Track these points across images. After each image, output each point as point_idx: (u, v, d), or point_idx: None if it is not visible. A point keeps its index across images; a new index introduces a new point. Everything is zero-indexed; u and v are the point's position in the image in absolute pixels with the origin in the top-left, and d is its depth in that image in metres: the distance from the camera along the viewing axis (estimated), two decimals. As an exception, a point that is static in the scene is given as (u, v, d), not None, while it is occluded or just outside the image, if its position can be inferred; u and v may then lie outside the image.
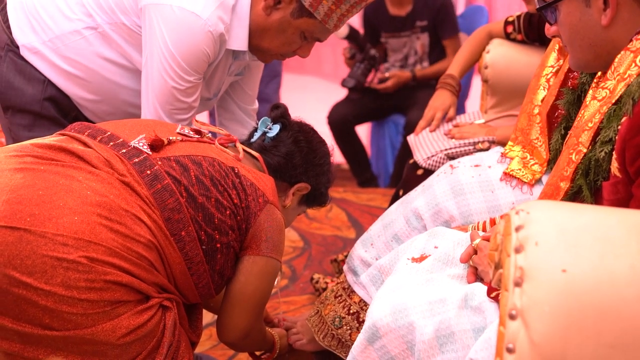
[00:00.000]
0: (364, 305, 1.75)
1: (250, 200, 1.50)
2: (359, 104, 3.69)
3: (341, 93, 3.85)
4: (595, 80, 1.34)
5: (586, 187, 1.25)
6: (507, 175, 1.76)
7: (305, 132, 1.74)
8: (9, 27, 1.85)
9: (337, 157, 3.90)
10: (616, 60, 1.24)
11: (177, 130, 1.56)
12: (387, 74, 3.63)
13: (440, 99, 2.34)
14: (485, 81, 2.37)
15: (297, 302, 2.43)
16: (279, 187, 1.66)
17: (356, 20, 4.03)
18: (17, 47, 1.85)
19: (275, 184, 1.62)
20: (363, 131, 4.08)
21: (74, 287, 1.26)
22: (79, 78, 1.86)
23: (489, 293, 1.23)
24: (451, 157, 2.10)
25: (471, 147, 2.11)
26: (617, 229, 0.98)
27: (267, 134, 1.70)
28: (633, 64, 1.20)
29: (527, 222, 0.99)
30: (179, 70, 1.74)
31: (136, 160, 1.42)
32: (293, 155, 1.69)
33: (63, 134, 1.49)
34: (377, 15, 3.70)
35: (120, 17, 1.80)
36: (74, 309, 1.26)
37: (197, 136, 1.58)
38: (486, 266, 1.30)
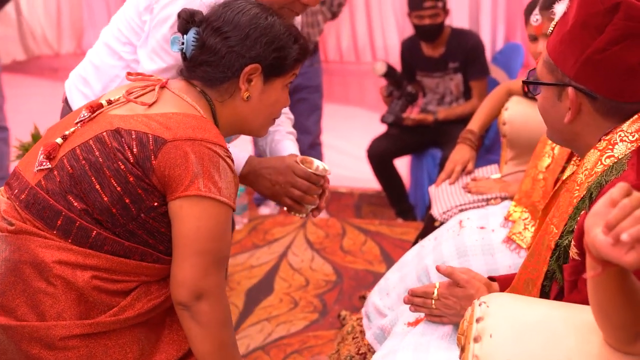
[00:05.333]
0: (371, 347, 1.95)
1: (137, 152, 1.42)
2: (398, 139, 3.85)
3: (382, 124, 4.01)
4: (569, 174, 1.47)
5: (558, 271, 1.41)
6: (509, 239, 1.92)
7: (216, 15, 1.54)
8: (69, 105, 1.99)
9: (377, 184, 4.06)
10: (586, 157, 1.38)
11: (76, 120, 1.53)
12: (411, 116, 3.77)
13: (460, 154, 2.51)
14: (504, 136, 2.52)
15: (324, 337, 2.62)
16: (230, 90, 1.54)
17: (394, 59, 4.19)
18: None
19: (222, 90, 1.53)
20: (403, 163, 4.24)
21: None
22: None
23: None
24: (464, 212, 2.27)
25: (484, 203, 2.27)
26: (560, 325, 1.15)
27: (185, 52, 1.54)
28: (599, 162, 1.34)
29: (486, 315, 1.18)
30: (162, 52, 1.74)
31: (16, 191, 1.49)
32: (215, 50, 1.51)
33: None
34: (413, 55, 3.86)
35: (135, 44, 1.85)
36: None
37: (89, 114, 1.51)
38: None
